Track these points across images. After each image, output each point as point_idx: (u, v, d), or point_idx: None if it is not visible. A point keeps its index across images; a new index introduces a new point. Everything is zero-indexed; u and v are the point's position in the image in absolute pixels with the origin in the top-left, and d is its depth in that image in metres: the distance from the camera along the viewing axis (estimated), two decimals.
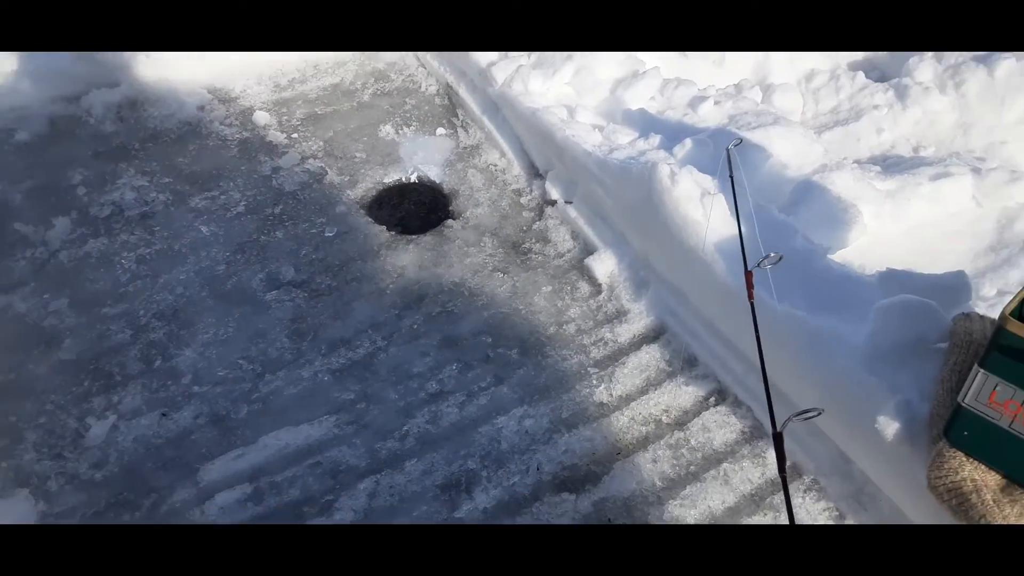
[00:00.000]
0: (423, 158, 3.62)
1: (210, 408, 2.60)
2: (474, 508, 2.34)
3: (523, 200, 3.43)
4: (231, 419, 2.57)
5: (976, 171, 3.02)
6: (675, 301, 2.81)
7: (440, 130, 3.79)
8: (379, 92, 4.02)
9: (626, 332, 2.84)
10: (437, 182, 3.54)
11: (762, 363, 1.84)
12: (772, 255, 2.05)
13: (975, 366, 1.66)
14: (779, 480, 2.38)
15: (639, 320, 2.86)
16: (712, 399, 2.61)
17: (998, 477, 1.71)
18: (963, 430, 1.71)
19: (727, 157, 2.53)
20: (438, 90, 4.04)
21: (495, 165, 3.61)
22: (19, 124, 3.64)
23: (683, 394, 2.62)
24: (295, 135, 3.70)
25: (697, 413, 2.57)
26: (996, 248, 2.84)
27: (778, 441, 1.49)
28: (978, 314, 2.10)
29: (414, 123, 3.83)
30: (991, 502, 1.67)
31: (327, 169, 3.51)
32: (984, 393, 1.65)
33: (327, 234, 3.21)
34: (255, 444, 2.50)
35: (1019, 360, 1.58)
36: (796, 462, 2.41)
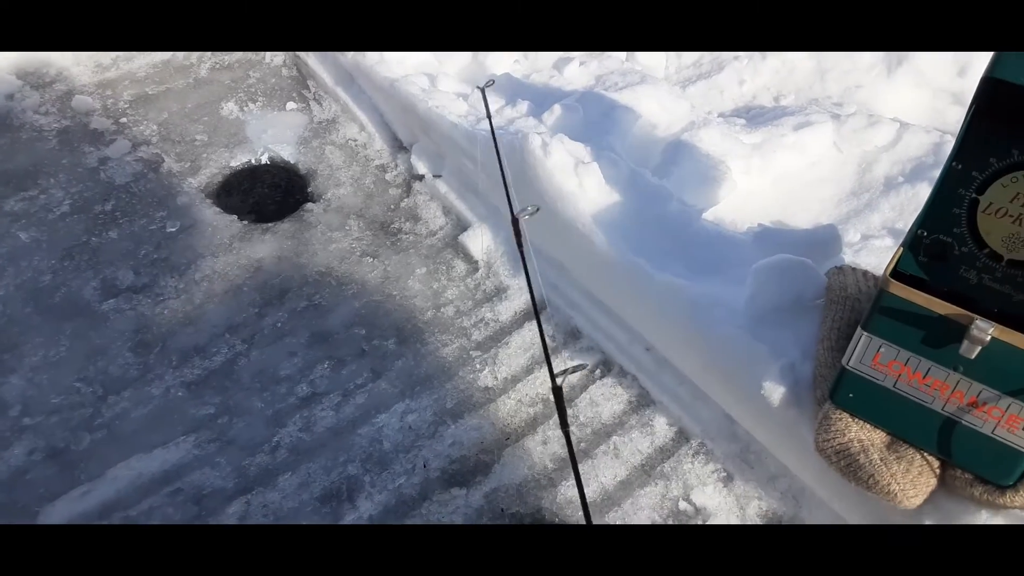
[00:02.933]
0: (273, 136, 3.33)
1: (46, 441, 2.28)
2: (359, 517, 2.17)
3: (388, 176, 3.21)
4: (72, 451, 2.27)
5: (835, 117, 3.05)
6: (555, 274, 2.70)
7: (290, 104, 3.50)
8: (217, 66, 3.66)
9: (507, 310, 2.71)
10: (292, 162, 3.26)
11: (537, 317, 1.81)
12: (531, 207, 2.11)
13: (858, 328, 1.64)
14: (666, 448, 2.35)
15: (519, 296, 2.74)
16: (598, 371, 2.54)
17: (883, 435, 1.70)
18: (848, 392, 1.69)
19: (482, 96, 2.48)
20: (284, 60, 3.71)
21: (355, 140, 3.36)
22: None
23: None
24: (124, 120, 3.31)
25: (584, 387, 2.49)
26: (858, 193, 2.90)
27: (557, 394, 1.59)
28: (850, 267, 2.10)
29: (260, 98, 3.51)
30: (879, 461, 1.66)
31: (164, 156, 3.16)
32: (868, 355, 1.63)
33: (169, 229, 2.88)
34: (102, 477, 2.21)
35: (901, 321, 1.56)
36: (682, 427, 2.38)
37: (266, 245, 2.87)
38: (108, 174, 3.07)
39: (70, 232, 2.85)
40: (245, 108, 3.45)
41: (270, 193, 3.15)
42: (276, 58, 3.72)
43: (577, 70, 3.11)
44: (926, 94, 3.36)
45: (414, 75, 3.07)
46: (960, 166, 1.66)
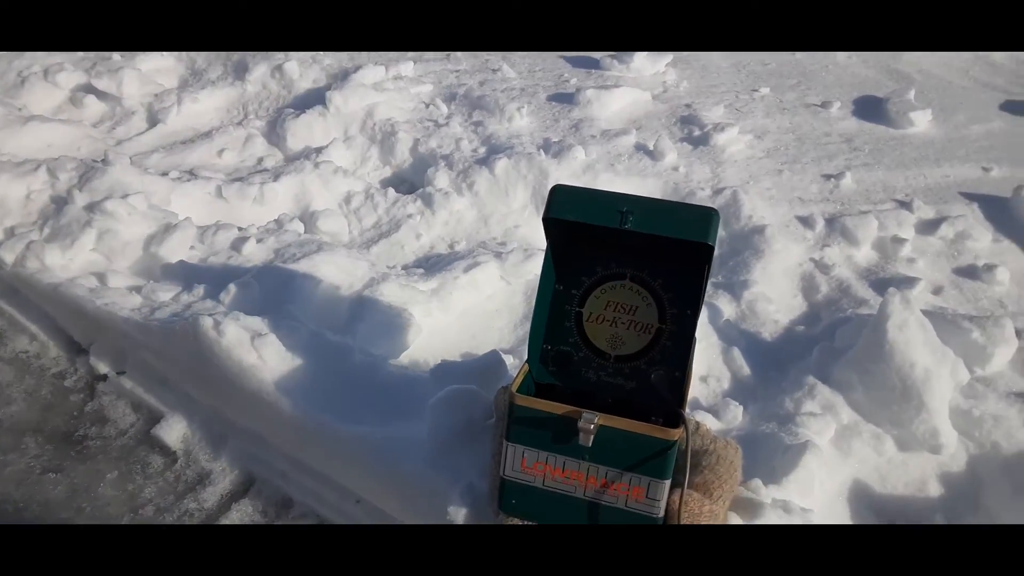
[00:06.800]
0: None
1: None
2: None
3: (68, 383, 3.03)
4: None
5: (498, 255, 3.47)
6: (257, 447, 2.69)
7: None
8: None
9: (212, 495, 2.63)
10: None
11: None
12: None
13: (503, 440, 1.85)
14: None
15: (223, 478, 2.67)
16: None
17: None
18: (511, 499, 1.88)
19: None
20: None
21: (26, 351, 3.14)
22: None
23: None
24: None
25: None
26: (528, 316, 3.28)
27: None
28: None
29: None
30: None
31: None
32: (516, 461, 1.84)
33: None
34: None
35: (533, 427, 1.80)
36: None
37: None
38: None
39: None
40: None
41: None
42: None
43: (255, 247, 3.24)
44: None
45: (81, 276, 2.99)
46: (561, 287, 2.00)
